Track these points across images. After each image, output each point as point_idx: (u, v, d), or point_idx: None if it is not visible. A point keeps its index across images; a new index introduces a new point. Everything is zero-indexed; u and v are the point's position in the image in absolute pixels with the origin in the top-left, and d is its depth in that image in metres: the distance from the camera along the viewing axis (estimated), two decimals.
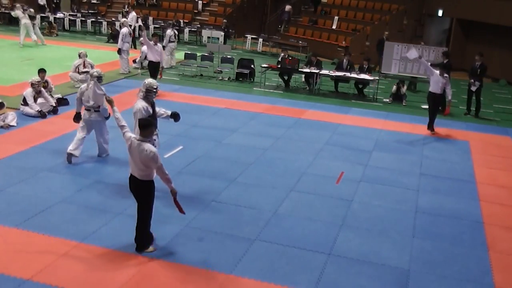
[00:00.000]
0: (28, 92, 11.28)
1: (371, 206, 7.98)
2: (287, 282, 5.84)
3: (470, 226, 7.52)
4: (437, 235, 7.16)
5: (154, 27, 23.97)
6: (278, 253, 6.43)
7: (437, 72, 11.86)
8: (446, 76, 11.91)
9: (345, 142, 10.91)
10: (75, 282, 5.61)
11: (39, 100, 11.37)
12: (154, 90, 7.56)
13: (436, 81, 11.85)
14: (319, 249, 6.57)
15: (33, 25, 20.43)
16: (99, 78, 8.81)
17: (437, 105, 12.15)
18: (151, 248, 6.27)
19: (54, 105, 11.54)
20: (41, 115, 11.14)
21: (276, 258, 6.32)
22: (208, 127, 11.26)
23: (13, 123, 10.52)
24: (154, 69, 13.91)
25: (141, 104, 7.40)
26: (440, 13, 22.13)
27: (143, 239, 6.25)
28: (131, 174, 6.12)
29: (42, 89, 11.54)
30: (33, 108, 11.16)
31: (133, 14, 22.16)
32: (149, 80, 7.63)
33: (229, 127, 11.43)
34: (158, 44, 14.16)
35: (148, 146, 5.91)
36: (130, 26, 21.23)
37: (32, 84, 11.36)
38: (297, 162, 9.59)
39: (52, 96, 11.97)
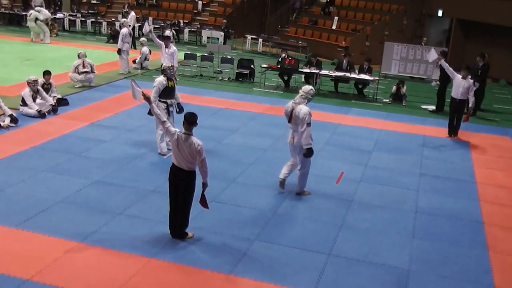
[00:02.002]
0: (26, 92, 11.27)
1: (371, 206, 7.98)
2: (287, 283, 5.84)
3: (470, 226, 7.53)
4: (437, 235, 7.16)
5: (154, 27, 23.95)
6: (278, 254, 6.43)
7: (459, 75, 11.33)
8: (470, 79, 11.20)
9: (345, 142, 10.91)
10: (75, 283, 5.61)
11: (38, 100, 11.37)
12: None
13: (457, 85, 11.30)
14: (319, 249, 6.57)
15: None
16: (162, 71, 9.20)
17: (458, 112, 11.51)
18: (190, 234, 6.64)
19: (53, 103, 11.53)
20: (41, 115, 11.13)
21: (276, 259, 6.32)
22: (208, 127, 11.25)
23: (13, 123, 10.52)
24: None
25: (306, 108, 7.69)
26: (440, 13, 22.13)
27: (186, 226, 6.62)
28: (176, 167, 6.36)
29: (40, 88, 11.53)
30: (32, 108, 11.16)
31: (132, 14, 22.17)
32: (310, 86, 7.97)
33: (229, 127, 11.43)
34: (172, 46, 13.56)
35: (195, 139, 6.24)
36: (130, 26, 21.33)
37: (29, 83, 11.35)
38: None
39: (53, 96, 11.96)
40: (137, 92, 7.47)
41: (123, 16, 23.49)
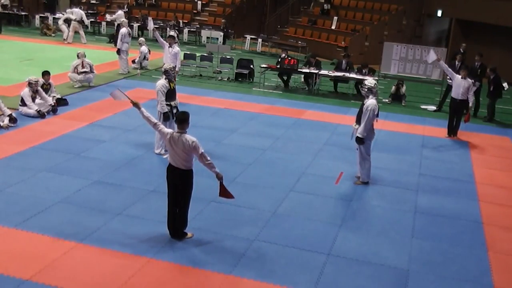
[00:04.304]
0: (26, 92, 11.26)
1: (370, 206, 7.98)
2: (286, 283, 5.84)
3: (469, 226, 7.53)
4: (436, 236, 7.17)
5: (154, 27, 23.87)
6: (277, 254, 6.44)
7: (459, 76, 11.35)
8: (469, 80, 11.28)
9: (344, 142, 10.88)
10: (74, 283, 5.61)
11: (37, 100, 11.37)
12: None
13: (457, 85, 11.34)
14: (318, 250, 6.58)
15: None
16: (165, 72, 9.13)
17: (458, 113, 11.54)
18: (189, 234, 6.64)
19: (52, 104, 11.53)
20: (40, 115, 11.13)
21: (275, 259, 6.32)
22: (207, 127, 11.26)
23: (12, 123, 10.50)
24: None
25: (375, 102, 8.34)
26: (439, 13, 22.14)
27: (185, 226, 6.63)
28: (172, 167, 6.38)
29: (39, 88, 11.52)
30: (32, 108, 11.15)
31: (119, 12, 22.36)
32: (373, 80, 8.79)
33: (229, 127, 11.43)
34: (175, 46, 13.33)
35: (188, 136, 6.28)
36: (119, 25, 21.45)
37: (30, 83, 11.34)
38: (296, 162, 9.59)
39: (52, 96, 11.95)
40: (122, 97, 7.15)
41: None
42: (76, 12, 21.83)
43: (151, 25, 14.15)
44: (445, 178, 9.32)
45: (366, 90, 8.41)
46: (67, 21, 21.70)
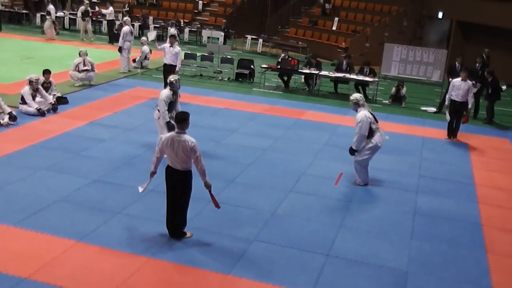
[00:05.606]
0: (26, 90, 11.26)
1: (370, 207, 7.98)
2: (286, 283, 5.84)
3: (469, 228, 7.53)
4: (435, 237, 7.17)
5: (154, 27, 23.97)
6: (276, 254, 6.43)
7: (458, 78, 11.49)
8: (469, 82, 11.41)
9: (344, 143, 10.87)
10: (73, 281, 5.61)
11: (38, 98, 11.37)
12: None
13: (456, 87, 11.47)
14: (317, 250, 6.57)
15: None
16: (170, 84, 8.85)
17: (458, 115, 11.64)
18: (188, 234, 6.64)
19: (52, 102, 11.53)
20: (40, 113, 11.12)
21: (274, 259, 6.32)
22: (207, 127, 11.26)
23: (12, 121, 10.50)
24: (168, 72, 12.69)
25: (364, 113, 8.35)
26: (440, 15, 22.16)
27: (184, 225, 6.62)
28: (171, 168, 6.37)
29: (40, 86, 11.52)
30: (32, 106, 11.15)
31: (111, 9, 22.42)
32: (358, 94, 8.81)
33: (229, 127, 11.43)
34: (176, 46, 13.27)
35: (188, 137, 6.26)
36: (113, 21, 21.50)
37: (30, 82, 11.33)
38: (296, 163, 9.59)
39: (52, 94, 11.95)
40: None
41: (124, 15, 23.49)
42: (52, 9, 22.10)
43: (152, 36, 14.05)
44: (444, 180, 9.32)
45: (352, 105, 8.48)
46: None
